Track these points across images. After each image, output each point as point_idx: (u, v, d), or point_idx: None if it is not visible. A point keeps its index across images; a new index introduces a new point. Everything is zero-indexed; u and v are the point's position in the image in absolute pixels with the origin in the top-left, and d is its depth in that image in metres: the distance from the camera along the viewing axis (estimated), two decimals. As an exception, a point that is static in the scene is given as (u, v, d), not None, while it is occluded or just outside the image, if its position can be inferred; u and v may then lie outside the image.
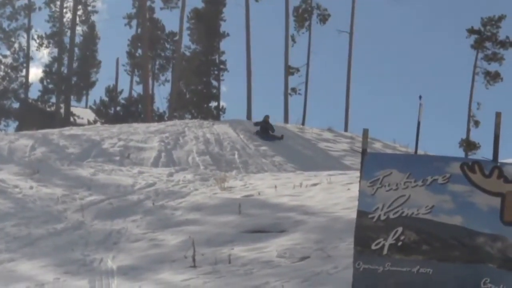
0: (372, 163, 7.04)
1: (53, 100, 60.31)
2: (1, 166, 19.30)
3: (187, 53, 61.64)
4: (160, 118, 55.90)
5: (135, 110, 59.40)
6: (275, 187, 16.04)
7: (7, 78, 60.88)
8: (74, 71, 60.58)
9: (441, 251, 6.72)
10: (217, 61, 61.74)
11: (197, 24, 60.72)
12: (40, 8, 61.45)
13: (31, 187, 16.53)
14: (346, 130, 47.49)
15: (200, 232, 12.37)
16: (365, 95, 77.62)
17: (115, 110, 60.93)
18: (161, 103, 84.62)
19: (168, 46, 64.93)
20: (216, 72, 61.77)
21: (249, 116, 51.46)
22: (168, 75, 63.78)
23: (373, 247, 6.86)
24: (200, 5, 60.62)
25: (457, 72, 77.68)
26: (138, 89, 61.10)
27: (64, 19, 60.62)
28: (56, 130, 31.97)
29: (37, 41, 61.87)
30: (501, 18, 54.38)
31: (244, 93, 54.22)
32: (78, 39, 61.81)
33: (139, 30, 60.74)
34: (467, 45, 54.92)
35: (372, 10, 77.44)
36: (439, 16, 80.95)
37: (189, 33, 61.16)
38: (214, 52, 61.62)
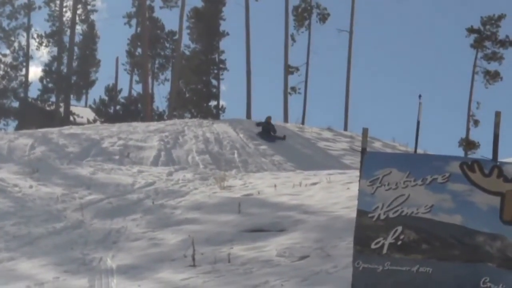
0: (371, 162, 7.04)
1: (53, 99, 60.29)
2: (1, 165, 19.30)
3: (187, 52, 61.64)
4: (159, 117, 55.90)
5: (135, 109, 59.36)
6: (275, 186, 16.05)
7: (7, 77, 60.86)
8: (73, 70, 60.57)
9: (441, 250, 6.72)
10: (216, 60, 61.71)
11: (196, 23, 60.69)
12: (39, 7, 61.48)
13: (31, 186, 16.53)
14: (345, 129, 47.47)
15: (200, 231, 12.37)
16: (364, 94, 77.63)
17: (115, 109, 60.90)
18: (160, 102, 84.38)
19: (167, 45, 64.92)
20: (215, 71, 61.74)
21: (248, 115, 51.46)
22: (168, 74, 63.78)
23: (373, 246, 6.86)
24: (200, 4, 60.64)
25: (457, 71, 77.72)
26: (137, 88, 61.12)
27: (64, 18, 60.61)
28: (55, 129, 31.95)
29: (37, 40, 61.87)
30: (500, 17, 54.38)
31: (244, 92, 54.24)
32: (77, 38, 61.83)
33: (138, 29, 60.71)
34: (466, 44, 54.94)
35: (372, 9, 77.50)
36: (438, 15, 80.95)
37: (189, 32, 61.16)
38: (214, 51, 61.58)
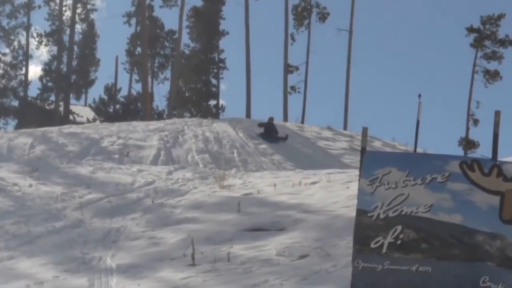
0: (371, 161, 7.04)
1: (52, 98, 60.28)
2: (1, 164, 19.31)
3: (187, 51, 61.63)
4: (159, 116, 55.91)
5: (134, 108, 59.35)
6: (274, 185, 16.05)
7: (7, 76, 60.86)
8: (73, 69, 60.57)
9: (440, 250, 6.72)
10: (216, 59, 61.70)
11: (196, 22, 60.68)
12: (39, 6, 61.47)
13: (30, 185, 16.54)
14: (345, 128, 47.48)
15: (199, 230, 12.37)
16: (364, 93, 77.57)
17: (114, 108, 60.89)
18: (160, 101, 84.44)
19: (167, 44, 64.89)
20: (215, 71, 61.73)
21: (248, 115, 51.48)
22: (168, 73, 63.76)
23: (372, 245, 6.86)
24: (200, 3, 60.63)
25: (457, 70, 77.68)
26: (137, 87, 61.11)
27: (64, 17, 60.61)
28: (55, 128, 31.97)
29: (37, 39, 61.85)
30: (500, 16, 54.39)
31: (244, 92, 54.30)
32: (77, 37, 61.84)
33: (138, 28, 60.71)
34: (466, 44, 54.95)
35: (371, 9, 77.44)
36: (438, 14, 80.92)
37: (189, 31, 61.15)
38: (214, 50, 61.57)
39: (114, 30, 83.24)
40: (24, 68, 61.11)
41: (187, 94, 61.85)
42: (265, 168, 25.38)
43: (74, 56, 61.20)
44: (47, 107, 59.54)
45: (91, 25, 64.07)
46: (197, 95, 61.04)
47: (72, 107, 59.10)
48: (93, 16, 64.62)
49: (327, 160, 28.87)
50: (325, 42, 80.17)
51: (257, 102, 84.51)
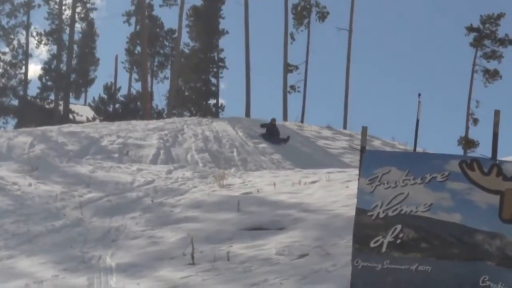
0: (371, 160, 7.04)
1: (52, 97, 60.30)
2: (0, 163, 19.30)
3: (186, 51, 61.63)
4: (159, 115, 55.93)
5: (134, 108, 59.36)
6: (274, 184, 16.05)
7: (6, 75, 60.88)
8: (73, 68, 60.56)
9: (440, 249, 6.72)
10: (216, 58, 61.70)
11: (196, 21, 60.67)
12: (39, 6, 61.51)
13: (30, 184, 16.53)
14: (345, 127, 47.49)
15: (199, 229, 12.37)
16: (364, 92, 77.59)
17: (114, 108, 60.91)
18: (160, 100, 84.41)
19: (167, 43, 64.91)
20: (215, 70, 61.74)
21: (248, 114, 51.48)
22: (167, 72, 63.77)
23: (372, 244, 6.86)
24: (199, 2, 60.63)
25: (456, 70, 77.73)
26: (137, 86, 61.12)
27: (63, 16, 60.60)
28: (55, 127, 31.98)
29: (36, 38, 61.86)
30: (500, 16, 54.42)
31: (243, 91, 54.27)
32: (77, 36, 61.85)
33: (138, 27, 60.70)
34: (466, 43, 54.99)
35: (371, 8, 77.44)
36: (438, 14, 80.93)
37: (188, 30, 61.15)
38: (213, 50, 61.57)
39: (113, 29, 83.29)
40: (23, 67, 61.16)
41: (186, 93, 61.86)
42: (264, 167, 25.38)
43: (74, 55, 61.20)
44: (47, 106, 59.54)
45: (90, 24, 64.08)
46: (196, 94, 61.04)
47: (71, 106, 59.11)
48: (92, 15, 64.68)
49: (326, 159, 28.87)
50: (324, 41, 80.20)
51: (257, 101, 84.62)
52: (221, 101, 62.39)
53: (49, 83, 60.97)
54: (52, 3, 61.94)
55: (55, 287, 9.81)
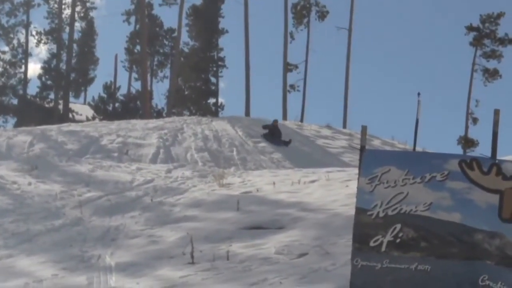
0: (370, 160, 7.04)
1: (52, 96, 60.35)
2: (0, 162, 19.30)
3: (186, 50, 61.66)
4: (158, 114, 55.94)
5: (134, 107, 59.39)
6: (274, 183, 16.05)
7: (6, 74, 60.91)
8: (72, 68, 60.58)
9: (439, 248, 6.72)
10: (215, 57, 61.72)
11: (195, 20, 60.68)
12: (38, 5, 61.56)
13: (30, 183, 16.53)
14: (344, 127, 47.51)
15: (199, 228, 12.37)
16: (363, 92, 77.65)
17: (114, 107, 60.93)
18: (159, 99, 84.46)
19: (166, 42, 64.96)
20: (214, 69, 61.76)
21: (247, 113, 51.48)
22: (167, 71, 63.84)
23: (372, 244, 6.86)
24: (199, 1, 60.67)
25: (456, 69, 77.76)
26: (136, 85, 61.14)
27: (63, 15, 60.62)
28: (54, 126, 31.98)
29: (36, 37, 61.92)
30: (500, 15, 54.45)
31: (243, 90, 54.27)
32: (76, 35, 61.91)
33: (137, 26, 60.71)
34: (466, 42, 55.02)
35: (371, 7, 77.46)
36: (438, 13, 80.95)
37: (188, 29, 61.18)
38: (213, 49, 61.59)
39: (113, 28, 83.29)
40: (23, 66, 61.20)
41: (186, 92, 61.86)
42: (264, 167, 25.38)
43: (74, 54, 61.23)
44: (46, 105, 59.58)
45: (90, 23, 64.12)
46: (196, 93, 61.05)
47: (71, 105, 59.13)
48: (92, 14, 64.75)
49: (326, 158, 28.88)
50: (324, 40, 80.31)
51: (257, 101, 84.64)
52: (220, 100, 62.56)
53: (49, 82, 61.01)
54: (51, 2, 62.00)
55: (55, 286, 9.80)
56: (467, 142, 52.63)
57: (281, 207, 13.38)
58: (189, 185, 16.72)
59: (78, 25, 62.08)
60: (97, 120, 50.92)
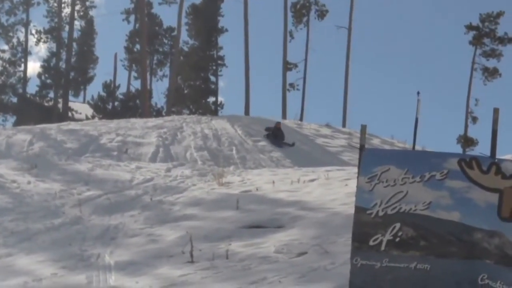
0: (370, 159, 7.04)
1: (51, 95, 60.37)
2: (-1, 161, 19.30)
3: (185, 49, 61.63)
4: (158, 113, 55.93)
5: (133, 105, 59.35)
6: (273, 182, 16.05)
7: (5, 73, 60.92)
8: (72, 66, 60.58)
9: (439, 247, 6.72)
10: (215, 56, 61.71)
11: (195, 19, 60.68)
12: (38, 3, 61.58)
13: (29, 182, 16.53)
14: (344, 126, 47.53)
15: (198, 227, 12.37)
16: (363, 91, 77.68)
17: (113, 105, 60.90)
18: (159, 98, 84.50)
19: (166, 41, 64.95)
20: (214, 68, 61.74)
21: (247, 112, 51.49)
22: (166, 70, 63.84)
23: (371, 243, 6.86)
24: (199, 0, 60.66)
25: (455, 68, 77.80)
26: (136, 84, 61.10)
27: (63, 14, 60.61)
28: (54, 125, 31.98)
29: (35, 36, 61.95)
30: (499, 14, 54.46)
31: (242, 89, 54.29)
32: (76, 34, 61.89)
33: (137, 25, 60.69)
34: (465, 41, 55.03)
35: (370, 6, 77.44)
36: (437, 12, 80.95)
37: (187, 28, 61.18)
38: (212, 48, 61.59)
39: (113, 27, 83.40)
40: (23, 65, 61.25)
41: (186, 91, 61.85)
42: (263, 166, 25.39)
43: (73, 53, 61.24)
44: (46, 104, 59.59)
45: (90, 22, 64.13)
46: (196, 92, 61.04)
47: (70, 104, 59.13)
48: (92, 13, 64.78)
49: (325, 157, 28.88)
50: (324, 39, 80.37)
51: (256, 100, 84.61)
52: (220, 99, 62.54)
53: (48, 81, 61.03)
54: (51, 1, 62.06)
55: (54, 285, 9.80)
56: (466, 141, 52.64)
57: (280, 206, 13.38)
58: (189, 184, 16.72)
59: (77, 23, 62.18)
60: (96, 119, 50.92)
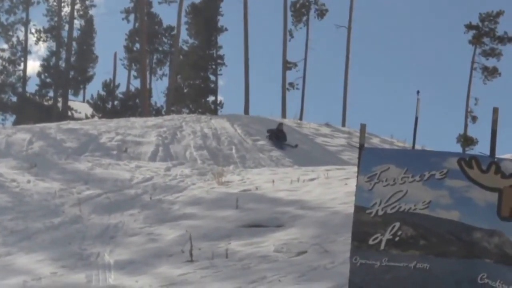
0: (369, 158, 7.04)
1: (51, 94, 60.35)
2: (-1, 160, 19.30)
3: (185, 48, 61.62)
4: (157, 112, 55.90)
5: (133, 105, 59.33)
6: (273, 181, 16.05)
7: (5, 72, 60.88)
8: (71, 65, 60.56)
9: (438, 246, 6.72)
10: (214, 55, 61.69)
11: (195, 18, 60.65)
12: (38, 2, 61.54)
13: (29, 181, 16.53)
14: (343, 125, 47.51)
15: (198, 226, 12.37)
16: (363, 90, 77.65)
17: (113, 105, 60.88)
18: (158, 97, 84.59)
19: (165, 40, 64.90)
20: (213, 67, 61.73)
21: (246, 111, 51.49)
22: (166, 69, 63.80)
23: (371, 242, 6.85)
24: (198, -1, 60.62)
25: (455, 67, 77.73)
26: (135, 83, 61.08)
27: (62, 13, 60.60)
28: (53, 124, 31.97)
29: (35, 35, 61.93)
30: (499, 13, 54.44)
31: (242, 88, 54.31)
32: (75, 33, 61.87)
33: (136, 24, 60.67)
34: (465, 41, 55.00)
35: (370, 5, 77.41)
36: (437, 11, 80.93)
37: (187, 27, 61.15)
38: (212, 47, 61.57)
39: (112, 26, 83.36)
40: (22, 64, 61.20)
41: (185, 90, 61.84)
42: (263, 165, 25.38)
43: (73, 52, 61.23)
44: (46, 103, 59.58)
45: (89, 21, 64.12)
46: (195, 91, 61.02)
47: (70, 103, 59.11)
48: (91, 12, 64.76)
49: (325, 156, 28.88)
50: (323, 38, 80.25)
51: (256, 99, 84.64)
52: (219, 98, 62.46)
53: (48, 80, 61.01)
54: (51, 0, 62.00)
55: (54, 284, 9.80)
56: (466, 140, 52.63)
57: (280, 205, 13.38)
58: (188, 183, 16.72)
59: (77, 23, 62.16)
60: (96, 118, 50.90)
